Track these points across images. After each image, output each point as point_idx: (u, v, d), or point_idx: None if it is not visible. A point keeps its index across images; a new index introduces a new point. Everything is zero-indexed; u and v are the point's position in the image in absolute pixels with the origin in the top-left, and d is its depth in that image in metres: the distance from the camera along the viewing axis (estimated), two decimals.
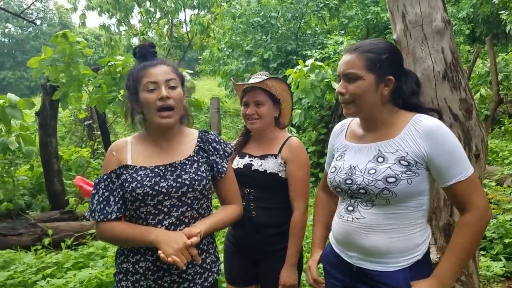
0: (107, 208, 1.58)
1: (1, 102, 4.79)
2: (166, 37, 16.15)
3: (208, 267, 1.67)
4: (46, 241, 4.48)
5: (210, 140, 1.72)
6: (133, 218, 1.60)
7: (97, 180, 1.62)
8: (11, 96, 4.86)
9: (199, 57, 15.29)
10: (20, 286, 3.26)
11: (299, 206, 2.04)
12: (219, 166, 1.70)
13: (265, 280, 2.11)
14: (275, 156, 2.08)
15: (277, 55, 11.57)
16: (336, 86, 1.60)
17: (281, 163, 2.06)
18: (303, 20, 12.21)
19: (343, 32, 12.19)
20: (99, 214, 1.57)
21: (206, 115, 12.75)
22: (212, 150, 1.71)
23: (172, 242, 1.46)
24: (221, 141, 1.75)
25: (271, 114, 2.13)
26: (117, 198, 1.59)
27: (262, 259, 2.10)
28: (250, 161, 2.11)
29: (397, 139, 1.49)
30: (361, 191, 1.50)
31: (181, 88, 1.63)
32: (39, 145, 5.69)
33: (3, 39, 35.21)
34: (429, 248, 1.55)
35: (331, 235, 1.71)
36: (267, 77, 2.12)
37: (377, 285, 1.50)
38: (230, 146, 1.76)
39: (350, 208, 1.56)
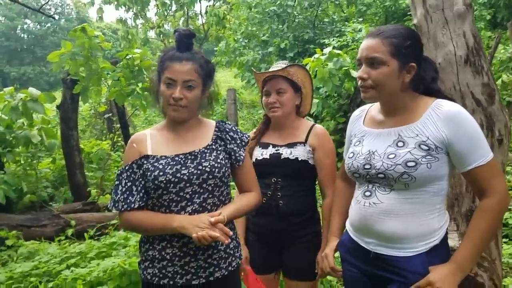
0: (130, 198, 1.60)
1: (23, 96, 4.90)
2: None
3: (232, 252, 1.70)
4: (69, 232, 4.59)
5: (228, 130, 1.74)
6: (155, 207, 1.63)
7: (119, 171, 1.65)
8: (32, 90, 4.97)
9: (215, 49, 15.28)
10: (45, 276, 3.34)
11: (330, 192, 2.06)
12: (236, 155, 1.72)
13: (289, 266, 2.12)
14: (303, 143, 2.08)
15: (294, 45, 11.48)
16: (355, 74, 1.59)
17: (309, 150, 2.07)
18: (320, 8, 12.09)
19: (361, 19, 11.99)
20: (123, 204, 1.60)
21: (223, 106, 12.76)
22: (230, 139, 1.73)
23: (198, 223, 1.50)
24: (238, 130, 1.78)
25: (293, 102, 2.12)
26: (139, 188, 1.61)
27: (285, 245, 2.11)
28: (277, 150, 2.11)
29: (417, 124, 1.48)
30: (380, 175, 1.49)
31: (200, 88, 1.63)
32: (61, 138, 5.79)
33: (22, 35, 35.79)
34: (446, 233, 1.54)
35: (347, 222, 1.72)
36: (287, 65, 2.11)
37: (395, 271, 1.50)
38: (246, 136, 1.78)
39: (368, 194, 1.55)
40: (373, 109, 1.70)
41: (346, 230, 1.74)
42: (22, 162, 5.66)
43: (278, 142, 2.14)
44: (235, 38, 13.61)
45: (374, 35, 1.51)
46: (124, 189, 1.61)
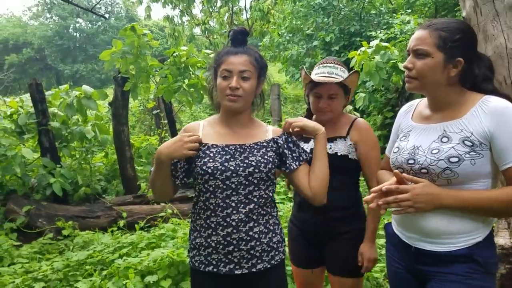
0: (173, 172, 1.72)
1: (77, 93, 5.14)
2: (227, 25, 16.31)
3: (275, 246, 1.73)
4: (121, 223, 4.77)
5: (289, 142, 1.77)
6: (201, 192, 1.69)
7: None
8: (86, 88, 5.20)
9: (259, 44, 15.31)
10: (99, 264, 3.50)
11: (375, 185, 2.04)
12: (288, 163, 1.74)
13: (331, 262, 2.13)
14: (344, 138, 2.08)
15: (339, 38, 11.29)
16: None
17: (350, 144, 2.07)
18: (366, 0, 11.81)
19: (409, 10, 11.61)
20: None
21: (267, 102, 12.80)
22: (288, 151, 1.75)
23: (174, 142, 1.62)
24: (299, 145, 1.80)
25: (342, 104, 2.13)
26: (182, 165, 1.73)
27: (327, 241, 2.12)
28: None
29: (463, 119, 1.46)
30: (423, 171, 1.49)
31: (255, 80, 1.69)
32: (113, 134, 6.01)
33: (74, 34, 37.19)
34: (492, 231, 1.51)
35: (392, 216, 1.72)
36: (347, 74, 2.09)
37: (436, 266, 1.50)
38: (306, 154, 1.79)
39: None
40: (422, 104, 1.70)
41: (391, 222, 1.75)
42: (77, 156, 5.91)
43: None
44: (279, 33, 13.56)
45: (424, 27, 1.52)
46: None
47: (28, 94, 5.33)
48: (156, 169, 1.68)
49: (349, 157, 2.07)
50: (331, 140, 2.09)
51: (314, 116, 2.21)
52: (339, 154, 2.05)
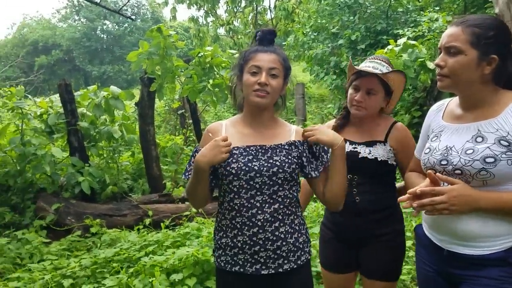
0: None
1: (105, 94, 5.24)
2: (251, 25, 16.33)
3: (301, 246, 1.72)
4: (147, 221, 4.83)
5: (309, 153, 1.75)
6: (226, 193, 1.70)
7: (195, 149, 1.77)
8: (113, 88, 5.29)
9: (284, 43, 15.26)
10: (126, 262, 3.56)
11: None
12: (307, 169, 1.73)
13: (366, 264, 2.08)
14: (384, 143, 2.02)
15: (365, 36, 11.12)
16: (432, 65, 1.55)
17: (390, 149, 2.01)
18: None
19: (438, 8, 11.35)
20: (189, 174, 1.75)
21: (291, 101, 12.74)
22: (309, 155, 1.73)
23: (210, 148, 1.61)
24: (327, 157, 1.76)
25: (380, 104, 2.05)
26: (210, 170, 1.71)
27: (363, 243, 2.07)
28: (354, 148, 2.04)
29: (498, 119, 1.42)
30: (457, 172, 1.44)
31: (282, 79, 1.70)
32: (139, 134, 6.09)
33: (102, 35, 37.80)
34: None
35: (423, 219, 1.68)
36: (390, 70, 2.02)
37: (469, 269, 1.45)
38: (324, 164, 1.76)
39: None
40: (453, 103, 1.65)
41: (421, 224, 1.70)
42: (105, 155, 6.01)
43: (356, 139, 2.07)
44: (304, 32, 13.48)
45: (457, 24, 1.48)
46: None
47: (58, 95, 5.45)
48: (196, 181, 1.68)
49: (389, 162, 2.01)
50: (370, 144, 2.03)
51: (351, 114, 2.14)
52: (379, 159, 1.99)
